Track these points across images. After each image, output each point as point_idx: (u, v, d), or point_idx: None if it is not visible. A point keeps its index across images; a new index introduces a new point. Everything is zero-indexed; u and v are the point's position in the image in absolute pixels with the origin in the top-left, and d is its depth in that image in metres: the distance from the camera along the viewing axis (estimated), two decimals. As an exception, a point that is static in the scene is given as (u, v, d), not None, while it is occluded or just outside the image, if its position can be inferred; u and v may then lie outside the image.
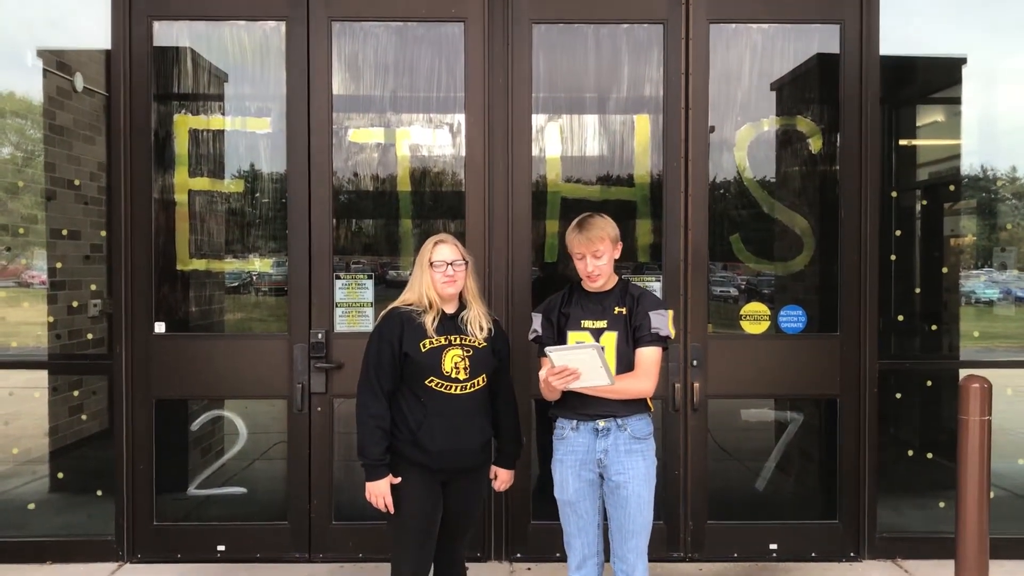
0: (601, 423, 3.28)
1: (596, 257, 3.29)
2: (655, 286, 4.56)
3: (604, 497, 3.35)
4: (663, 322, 3.30)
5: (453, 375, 3.26)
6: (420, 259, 3.37)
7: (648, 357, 3.28)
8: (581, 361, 3.04)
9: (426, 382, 3.25)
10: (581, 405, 3.29)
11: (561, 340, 3.35)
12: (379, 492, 3.22)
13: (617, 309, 3.33)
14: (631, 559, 3.30)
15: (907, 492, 4.89)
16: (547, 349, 3.09)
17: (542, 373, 3.18)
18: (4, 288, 5.15)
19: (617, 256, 3.39)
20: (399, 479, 3.25)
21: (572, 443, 3.33)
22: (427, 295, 3.32)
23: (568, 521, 3.39)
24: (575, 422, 3.32)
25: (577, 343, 3.22)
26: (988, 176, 5.35)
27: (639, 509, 3.27)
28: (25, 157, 5.36)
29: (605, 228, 3.32)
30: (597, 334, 3.30)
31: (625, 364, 3.29)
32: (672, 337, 3.37)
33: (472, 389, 3.29)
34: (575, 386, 3.13)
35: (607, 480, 3.31)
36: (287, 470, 4.58)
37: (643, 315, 3.29)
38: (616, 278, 3.42)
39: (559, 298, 3.45)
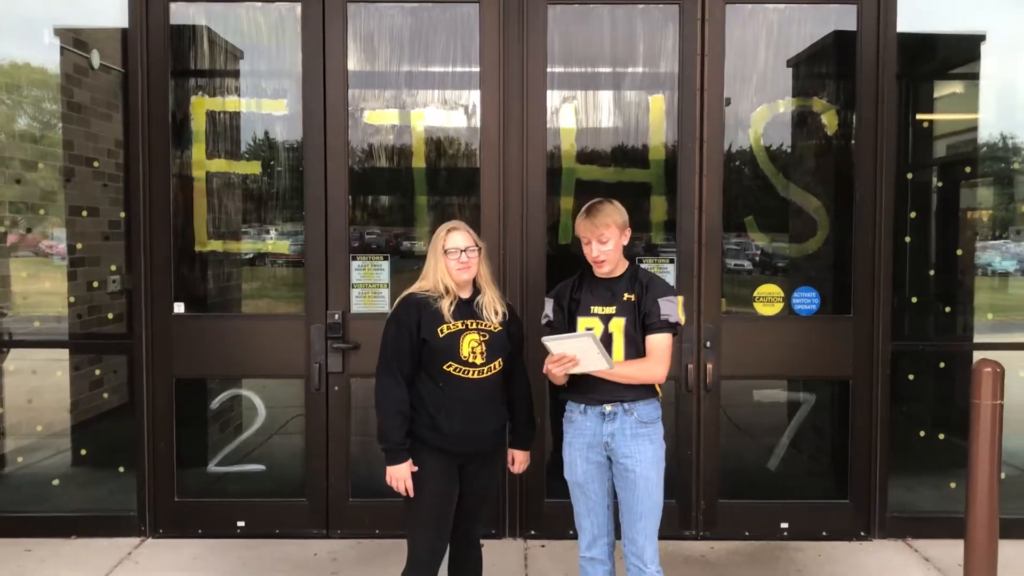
0: (608, 407, 3.31)
1: (601, 243, 3.29)
2: (669, 267, 4.58)
3: (613, 479, 3.40)
4: (673, 309, 3.31)
5: (470, 359, 3.29)
6: (434, 246, 3.38)
7: (659, 343, 3.30)
8: (578, 348, 3.10)
9: (444, 367, 3.28)
10: (589, 389, 3.33)
11: (572, 326, 3.38)
12: (400, 476, 3.27)
13: (626, 295, 3.34)
14: (640, 541, 3.31)
15: (919, 472, 4.92)
16: (543, 339, 3.14)
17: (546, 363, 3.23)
18: (23, 258, 5.21)
19: (625, 242, 3.38)
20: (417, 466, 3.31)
21: (580, 426, 3.38)
22: (443, 281, 3.35)
23: (578, 502, 3.44)
24: (583, 406, 3.36)
25: (572, 332, 3.25)
26: (1008, 145, 5.30)
27: (647, 492, 3.31)
28: (42, 130, 5.40)
29: (612, 215, 3.31)
30: (606, 320, 3.32)
31: (634, 349, 3.31)
32: (682, 323, 3.38)
33: (489, 373, 3.33)
34: (576, 371, 3.18)
35: (615, 463, 3.34)
36: (305, 448, 4.65)
37: (652, 302, 3.30)
38: (626, 263, 3.42)
39: (570, 284, 3.47)
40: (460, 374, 3.29)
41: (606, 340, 3.31)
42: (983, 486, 3.80)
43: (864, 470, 4.64)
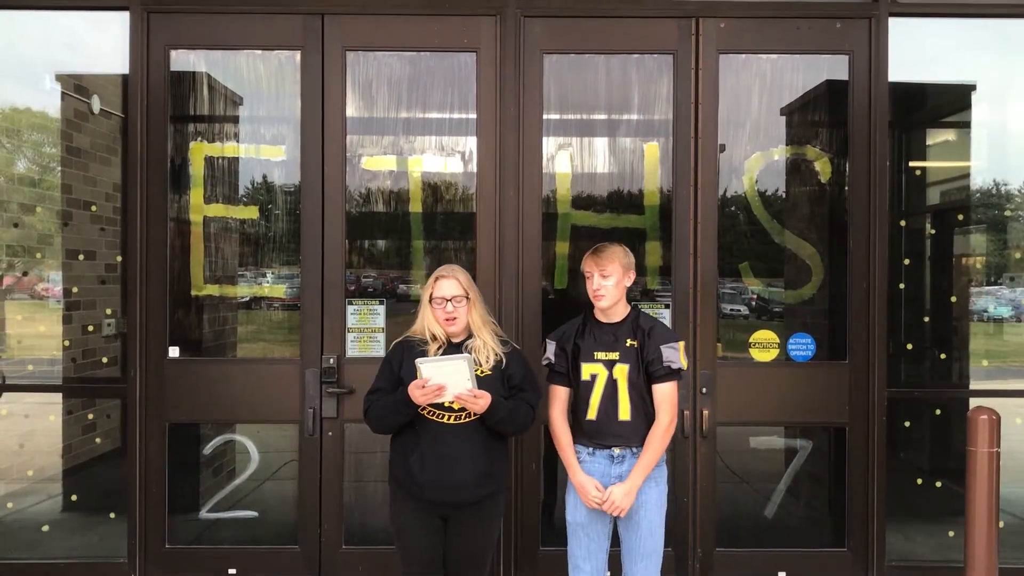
0: (616, 450, 3.38)
1: (604, 276, 3.38)
2: (665, 313, 4.58)
3: (616, 521, 3.44)
4: (675, 355, 3.39)
5: (447, 404, 3.25)
6: (424, 292, 3.41)
7: (666, 392, 3.39)
8: (449, 372, 3.10)
9: (420, 411, 3.27)
10: (597, 435, 3.40)
11: (576, 370, 3.42)
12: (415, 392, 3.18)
13: (629, 341, 3.40)
14: None
15: (917, 520, 4.89)
16: (417, 361, 3.15)
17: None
18: (19, 301, 5.21)
19: (628, 283, 3.47)
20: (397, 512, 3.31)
21: (588, 468, 3.42)
22: (430, 329, 3.36)
23: (579, 544, 3.46)
24: (591, 448, 3.42)
25: (448, 356, 3.24)
26: (1001, 192, 5.35)
27: (651, 533, 3.38)
28: (41, 174, 5.44)
29: (617, 253, 3.44)
30: (610, 365, 3.39)
31: (637, 395, 3.38)
32: (685, 368, 3.46)
33: (467, 419, 3.28)
34: (444, 399, 3.18)
35: (623, 505, 3.38)
36: (298, 494, 4.60)
37: (655, 349, 3.37)
38: (628, 308, 3.49)
39: (574, 328, 3.52)
40: (436, 419, 3.26)
41: (611, 387, 3.36)
42: (981, 535, 3.76)
43: (861, 518, 4.60)
